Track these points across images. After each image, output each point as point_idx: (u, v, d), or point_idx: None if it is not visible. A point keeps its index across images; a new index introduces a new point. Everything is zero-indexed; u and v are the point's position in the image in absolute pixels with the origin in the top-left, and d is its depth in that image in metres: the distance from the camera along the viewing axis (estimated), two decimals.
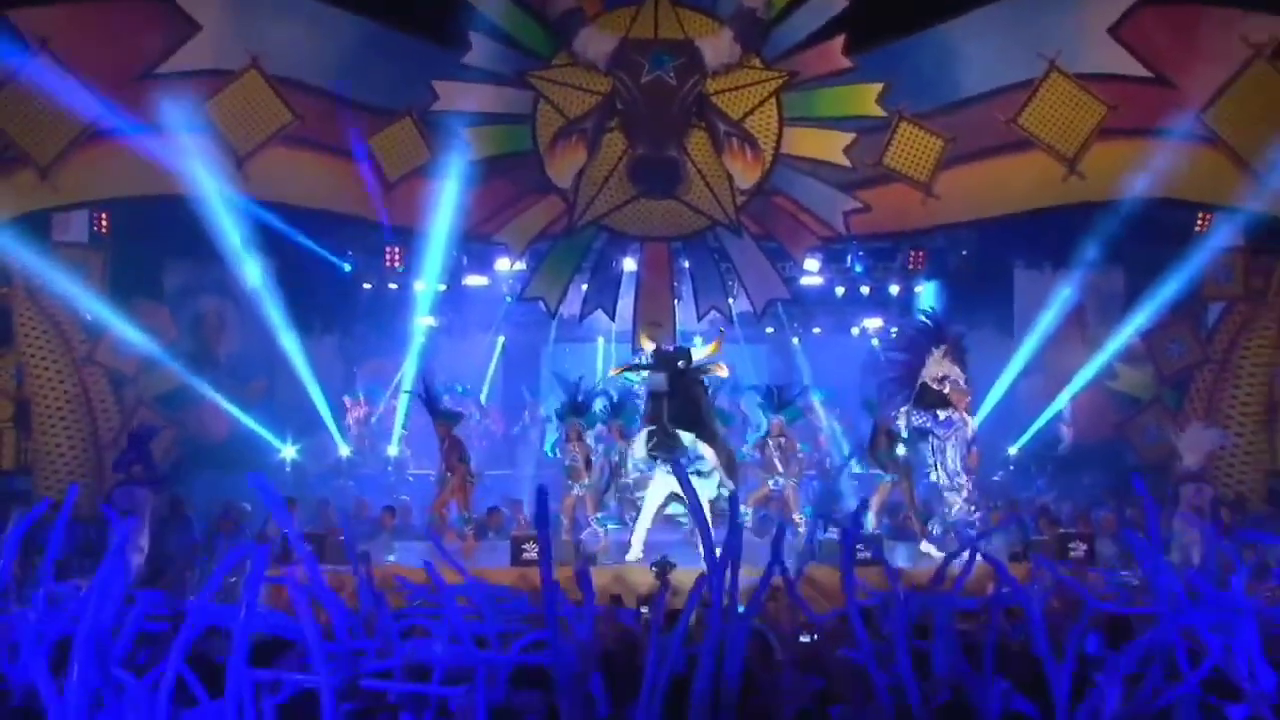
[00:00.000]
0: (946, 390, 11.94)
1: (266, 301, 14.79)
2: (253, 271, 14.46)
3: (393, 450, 16.62)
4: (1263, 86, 14.09)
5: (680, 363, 11.52)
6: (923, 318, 12.91)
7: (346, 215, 14.76)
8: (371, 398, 17.27)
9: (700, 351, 11.82)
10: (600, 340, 18.43)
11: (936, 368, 11.97)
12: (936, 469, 12.15)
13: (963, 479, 12.00)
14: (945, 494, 12.10)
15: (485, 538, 13.22)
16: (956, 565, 6.01)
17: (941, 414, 11.96)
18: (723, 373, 12.27)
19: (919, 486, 12.53)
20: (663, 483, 11.66)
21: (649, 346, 12.12)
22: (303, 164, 14.41)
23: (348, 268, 16.19)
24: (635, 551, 11.53)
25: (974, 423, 12.14)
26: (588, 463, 12.79)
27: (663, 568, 10.04)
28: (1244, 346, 15.60)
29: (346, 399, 16.89)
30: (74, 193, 14.18)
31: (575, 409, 12.95)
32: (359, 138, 14.31)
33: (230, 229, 14.01)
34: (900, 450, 12.38)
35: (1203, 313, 16.03)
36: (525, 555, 11.03)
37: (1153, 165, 13.93)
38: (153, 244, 14.55)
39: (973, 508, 12.01)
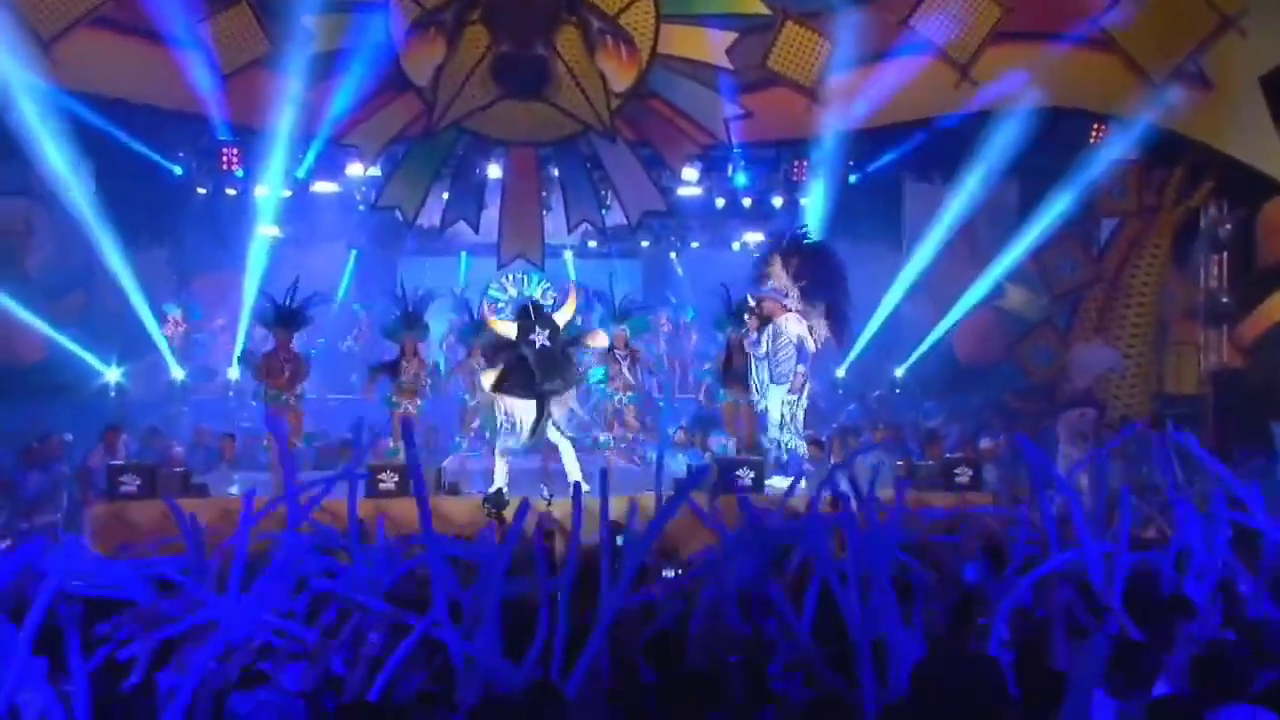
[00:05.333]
0: (756, 304, 12.03)
1: (84, 206, 14.04)
2: (66, 172, 13.65)
3: (233, 373, 16.12)
4: None
5: (545, 329, 11.31)
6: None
7: (175, 110, 13.97)
8: (192, 313, 16.81)
9: (562, 314, 11.65)
10: (463, 254, 18.60)
11: (774, 279, 12.04)
12: (756, 389, 12.22)
13: (777, 399, 11.95)
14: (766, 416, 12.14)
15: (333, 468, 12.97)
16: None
17: (769, 329, 11.92)
18: (601, 342, 12.26)
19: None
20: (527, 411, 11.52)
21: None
22: (122, 51, 13.60)
23: (178, 170, 15.47)
24: (500, 479, 11.45)
25: (795, 334, 11.88)
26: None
27: (497, 504, 10.00)
28: (1134, 264, 15.84)
29: (170, 315, 16.43)
30: None
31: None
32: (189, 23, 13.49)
33: (37, 122, 13.16)
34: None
35: (1095, 229, 16.28)
36: (382, 486, 10.97)
37: (1048, 72, 13.95)
38: None
39: (787, 436, 11.93)
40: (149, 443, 13.24)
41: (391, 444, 12.20)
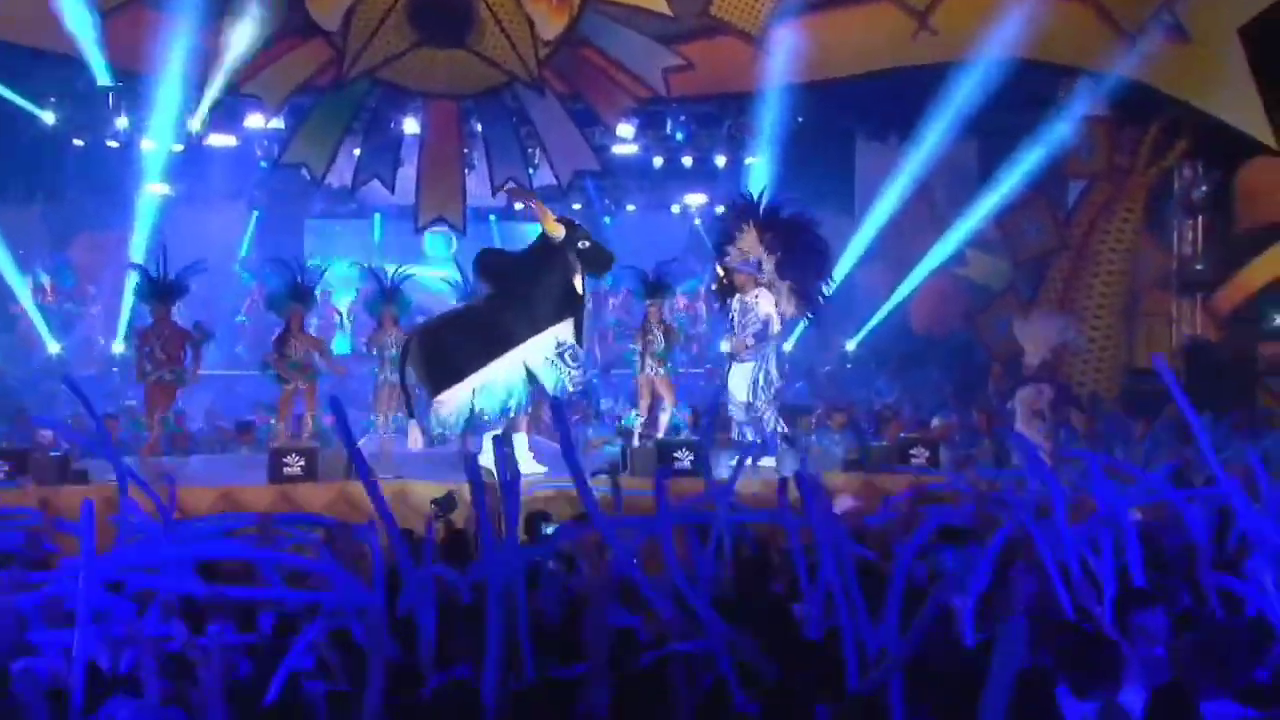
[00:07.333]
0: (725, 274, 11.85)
1: None
2: None
3: (118, 347, 15.82)
4: None
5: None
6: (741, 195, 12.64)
7: (45, 51, 13.59)
8: (63, 280, 16.49)
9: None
10: (376, 217, 18.59)
11: (745, 248, 11.80)
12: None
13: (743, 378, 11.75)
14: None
15: (235, 451, 13.42)
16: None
17: (737, 303, 11.75)
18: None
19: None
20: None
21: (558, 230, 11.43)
22: None
23: (50, 119, 14.86)
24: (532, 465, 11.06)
25: (764, 313, 11.69)
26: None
27: (447, 507, 9.34)
28: (1103, 230, 15.89)
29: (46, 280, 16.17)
30: None
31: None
32: None
33: None
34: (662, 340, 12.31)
35: (1063, 193, 16.27)
36: (288, 471, 10.89)
37: (1014, 21, 13.72)
38: None
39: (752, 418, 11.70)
40: (16, 425, 12.81)
41: (274, 422, 12.09)
